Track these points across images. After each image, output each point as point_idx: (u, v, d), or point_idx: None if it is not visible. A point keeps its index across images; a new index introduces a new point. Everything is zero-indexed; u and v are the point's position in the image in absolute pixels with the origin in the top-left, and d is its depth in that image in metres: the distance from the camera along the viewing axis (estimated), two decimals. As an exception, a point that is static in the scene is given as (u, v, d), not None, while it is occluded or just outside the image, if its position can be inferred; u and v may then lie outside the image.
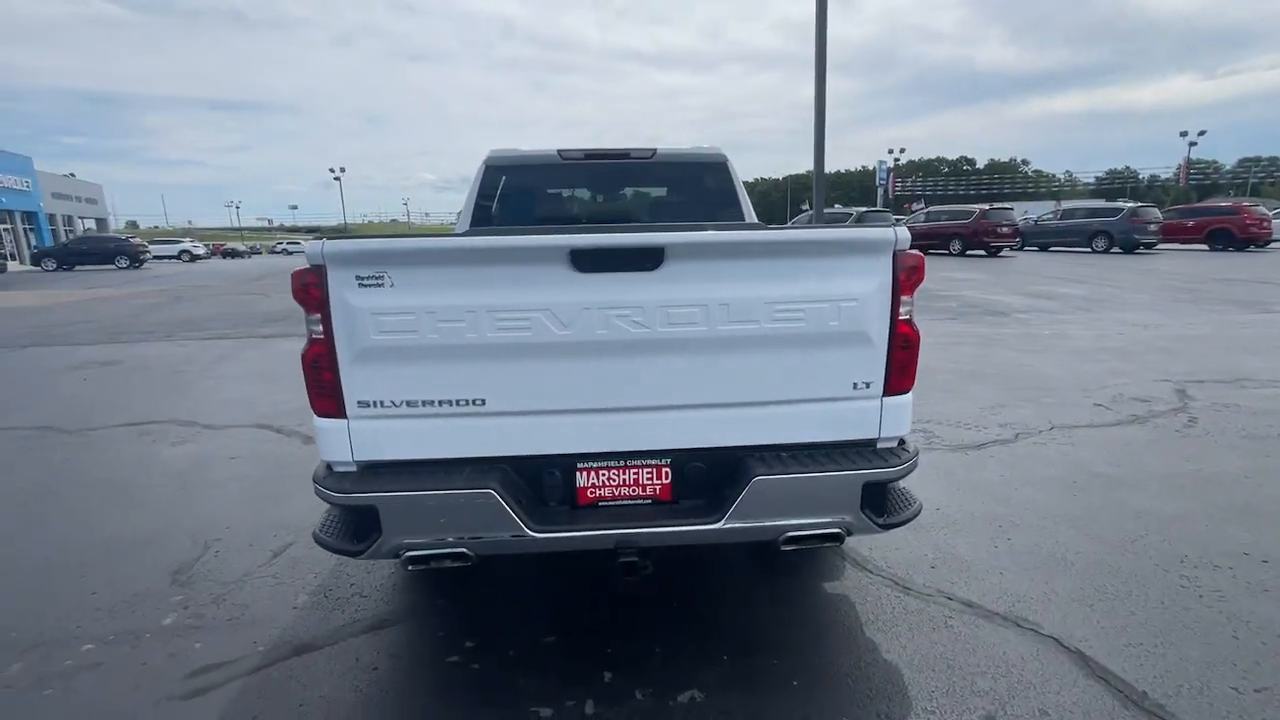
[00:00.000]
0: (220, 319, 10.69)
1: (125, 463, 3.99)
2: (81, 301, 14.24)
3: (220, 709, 1.86)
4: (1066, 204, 25.38)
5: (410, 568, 1.80)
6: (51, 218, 40.49)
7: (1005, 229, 20.92)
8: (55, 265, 28.43)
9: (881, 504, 1.87)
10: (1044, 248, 23.76)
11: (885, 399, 1.84)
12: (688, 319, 1.69)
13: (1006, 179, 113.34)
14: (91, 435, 4.55)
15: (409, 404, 1.73)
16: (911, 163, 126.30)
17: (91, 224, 47.97)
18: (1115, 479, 3.37)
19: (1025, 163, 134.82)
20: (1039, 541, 2.72)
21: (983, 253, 21.27)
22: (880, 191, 59.79)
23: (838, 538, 1.83)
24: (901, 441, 1.93)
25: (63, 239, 38.09)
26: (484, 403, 1.74)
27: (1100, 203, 23.48)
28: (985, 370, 5.82)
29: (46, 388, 6.08)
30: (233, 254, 58.03)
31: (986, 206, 21.72)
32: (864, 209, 22.00)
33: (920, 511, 1.96)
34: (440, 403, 1.73)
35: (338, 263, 1.65)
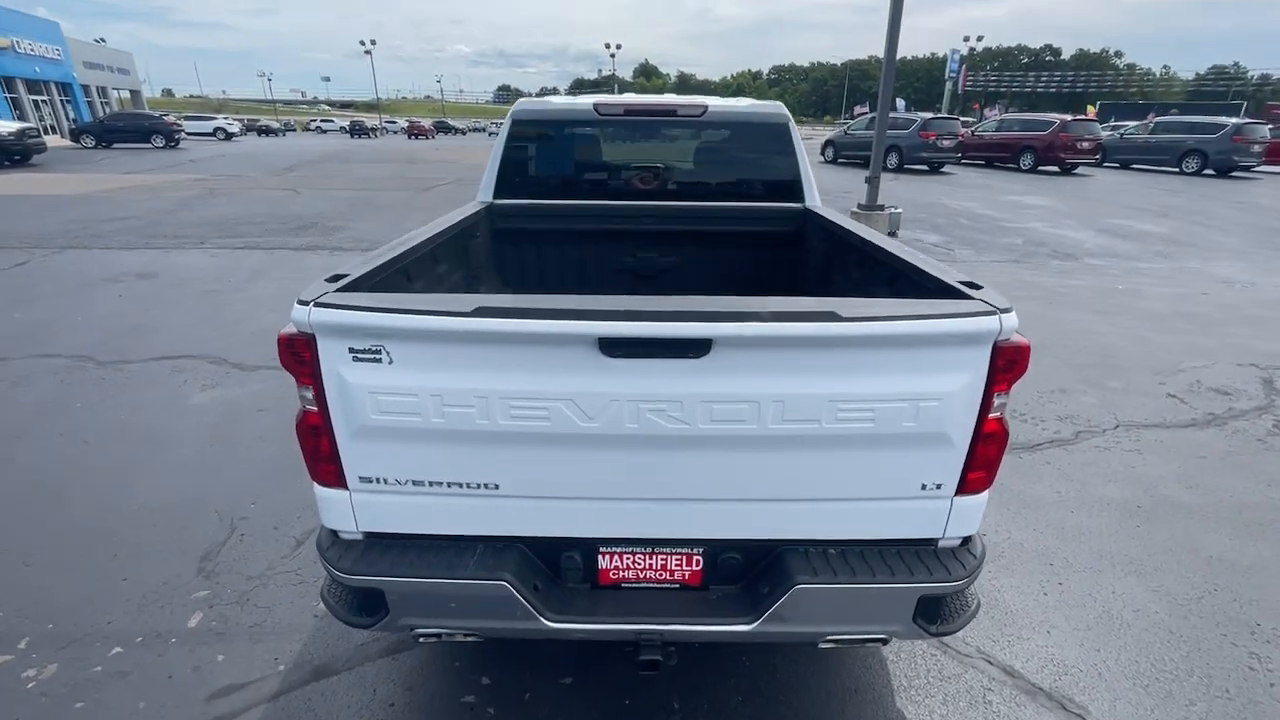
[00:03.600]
0: (253, 221, 10.55)
1: (158, 407, 4.01)
2: (118, 190, 14.20)
3: (241, 743, 1.88)
4: (1162, 118, 22.65)
5: (421, 641, 1.71)
6: (86, 89, 39.82)
7: (1086, 143, 18.95)
8: (94, 143, 28.30)
9: (936, 612, 1.67)
10: (1126, 165, 21.58)
11: (957, 499, 1.59)
12: (735, 416, 1.43)
13: (1094, 75, 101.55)
14: (126, 370, 4.57)
15: (414, 483, 1.56)
16: (988, 50, 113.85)
17: (126, 94, 47.18)
18: (1186, 507, 3.09)
19: (1119, 54, 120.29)
20: (1093, 591, 2.53)
21: (1056, 170, 19.44)
22: (949, 86, 54.28)
23: (883, 641, 1.67)
24: (967, 540, 1.70)
25: (99, 112, 37.66)
26: (498, 487, 1.55)
27: (1202, 118, 20.83)
28: (1049, 339, 5.37)
29: (84, 304, 6.11)
30: (267, 131, 57.06)
31: (1068, 117, 19.54)
32: (930, 115, 19.98)
33: (978, 612, 1.77)
34: (450, 484, 1.55)
35: (328, 334, 1.41)
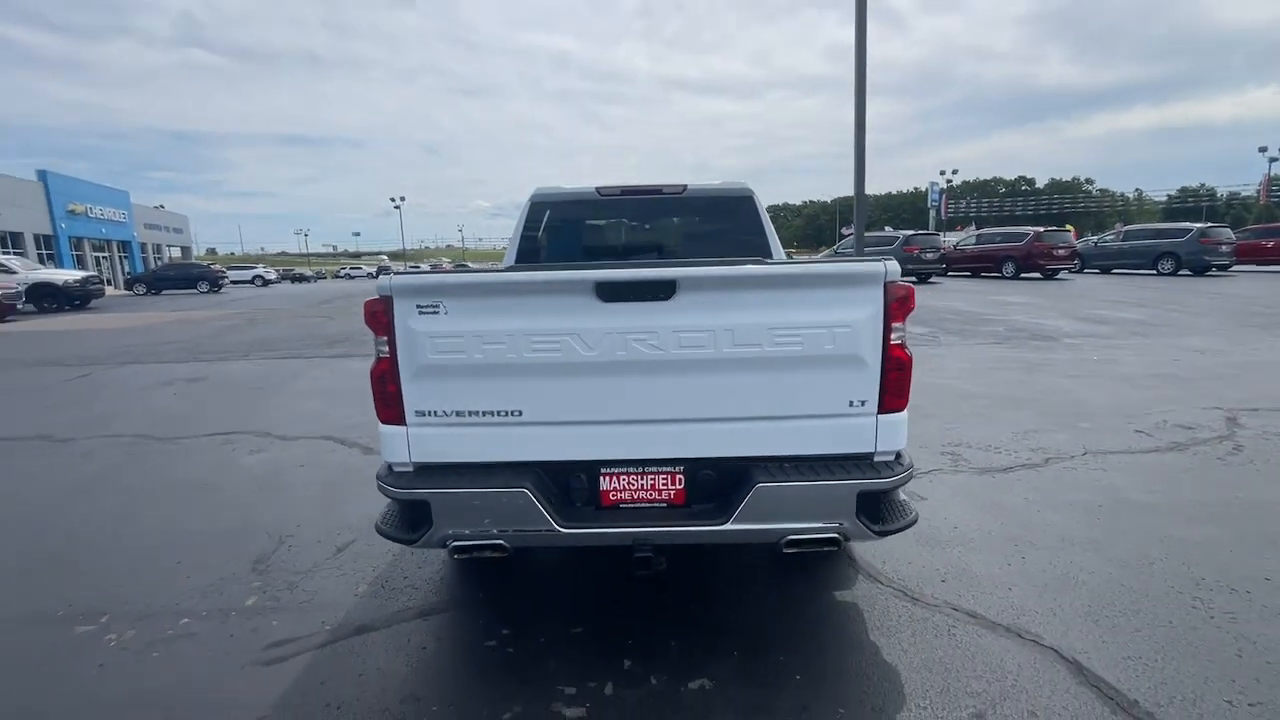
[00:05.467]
0: (291, 340, 11.51)
1: (210, 467, 4.47)
2: (169, 323, 15.52)
3: (294, 674, 2.17)
4: (1130, 226, 24.36)
5: (455, 556, 2.07)
6: (143, 246, 44.07)
7: (1061, 251, 20.28)
8: (145, 290, 30.90)
9: (877, 512, 2.03)
10: (1106, 270, 22.85)
11: (880, 416, 2.02)
12: (697, 343, 1.93)
13: (1069, 199, 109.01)
14: (181, 443, 5.08)
15: (458, 414, 2.03)
16: (966, 183, 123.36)
17: (177, 252, 51.89)
18: (1144, 505, 3.37)
19: (1090, 182, 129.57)
20: (1053, 561, 2.79)
21: (1038, 276, 20.65)
22: (932, 213, 58.58)
23: (835, 542, 2.01)
24: (899, 455, 2.10)
25: (152, 265, 41.33)
26: (521, 414, 2.02)
27: (1168, 225, 22.45)
28: (1024, 396, 5.79)
29: (142, 401, 6.76)
30: (300, 279, 61.66)
31: (1041, 229, 21.11)
32: (911, 232, 21.76)
33: (916, 520, 2.12)
34: (484, 413, 2.02)
35: (402, 294, 1.97)
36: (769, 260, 1.96)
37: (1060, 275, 20.89)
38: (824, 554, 2.86)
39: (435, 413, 2.03)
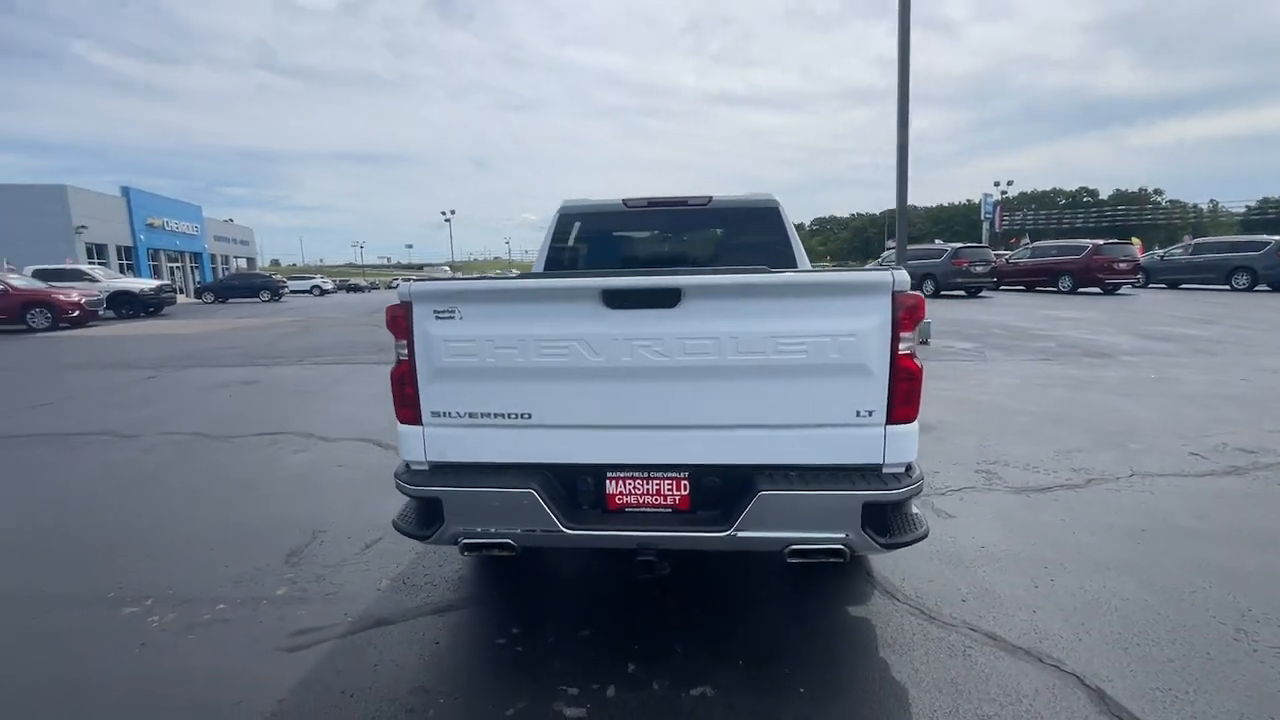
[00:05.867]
0: (339, 347, 12.02)
1: (256, 465, 4.71)
2: (230, 330, 16.42)
3: (315, 661, 2.27)
4: (1200, 239, 23.03)
5: (465, 554, 2.14)
6: (212, 257, 46.79)
7: (1123, 264, 19.31)
8: (213, 298, 32.80)
9: (884, 524, 2.00)
10: (1173, 285, 21.64)
11: (889, 427, 1.99)
12: (701, 350, 1.96)
13: (1134, 211, 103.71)
14: (232, 442, 5.37)
15: (470, 415, 2.10)
16: (1023, 195, 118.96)
17: (243, 262, 54.85)
18: (1192, 530, 3.19)
19: (1159, 193, 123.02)
20: (1084, 585, 2.66)
21: (1097, 290, 19.73)
22: (986, 226, 56.65)
23: (841, 554, 1.98)
24: (909, 467, 2.06)
25: (220, 275, 43.82)
26: (530, 416, 2.08)
27: (1242, 237, 21.12)
28: (1071, 414, 5.54)
29: (200, 402, 7.17)
30: (355, 289, 64.25)
31: (1100, 241, 20.17)
32: (960, 245, 21.10)
33: (927, 534, 2.07)
34: (495, 415, 2.09)
35: (420, 300, 2.06)
36: (777, 270, 1.97)
37: (1121, 290, 19.90)
38: (839, 567, 2.82)
39: (450, 414, 2.11)
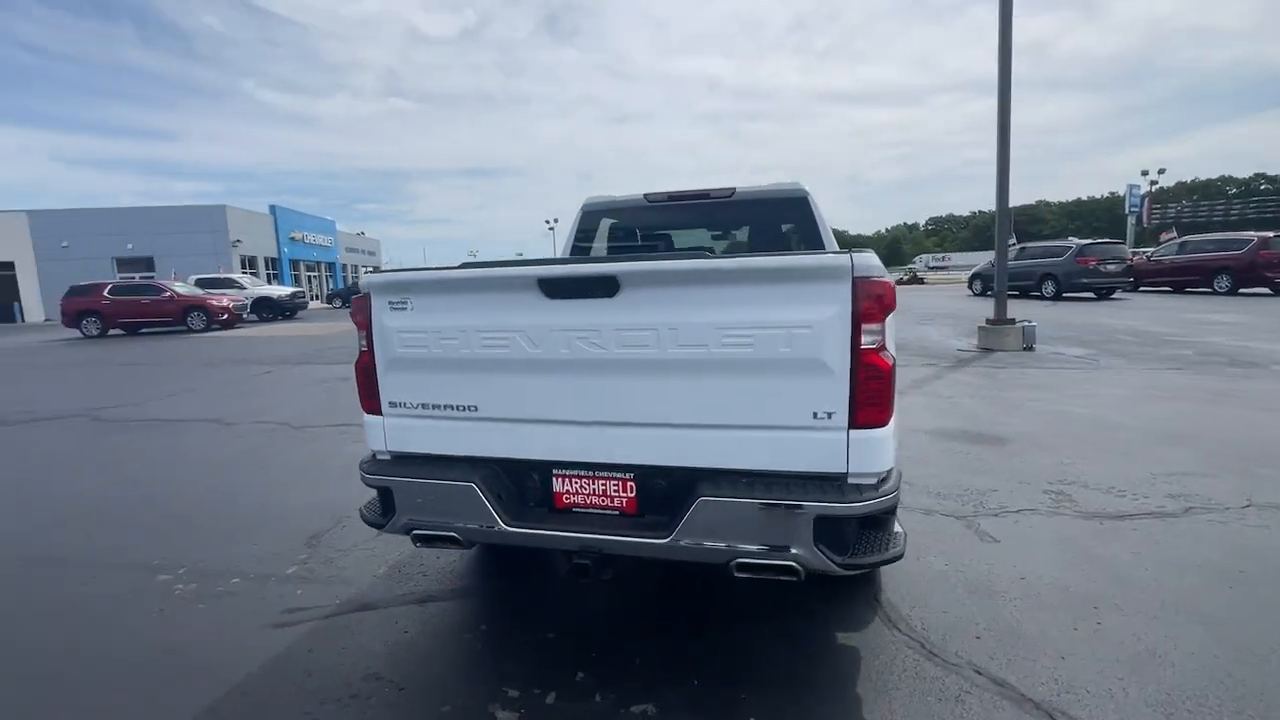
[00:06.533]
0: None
1: (319, 454, 5.08)
2: (345, 331, 18.00)
3: (293, 639, 2.37)
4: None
5: (418, 545, 2.14)
6: (344, 266, 51.72)
7: (1301, 260, 16.35)
8: (340, 303, 36.20)
9: (841, 541, 1.76)
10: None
11: (853, 432, 1.76)
12: (640, 342, 1.83)
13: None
14: (308, 431, 5.84)
15: (423, 406, 2.11)
16: (1181, 185, 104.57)
17: (371, 270, 60.19)
18: (1311, 576, 2.58)
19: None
20: (1140, 633, 2.22)
21: (1267, 291, 16.85)
22: (1131, 220, 50.21)
23: (793, 571, 1.77)
24: (884, 478, 1.81)
25: (348, 281, 48.35)
26: (477, 409, 2.05)
27: None
28: (1189, 431, 4.73)
29: (297, 395, 7.88)
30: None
31: (1271, 234, 17.22)
32: (1086, 241, 18.77)
33: (900, 556, 1.80)
34: (444, 407, 2.08)
35: (377, 291, 2.10)
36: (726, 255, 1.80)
37: (1300, 290, 16.86)
38: (846, 584, 2.55)
39: (405, 405, 2.13)
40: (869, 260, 1.71)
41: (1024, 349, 9.21)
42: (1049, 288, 18.05)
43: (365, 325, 2.14)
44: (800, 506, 1.72)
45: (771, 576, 1.80)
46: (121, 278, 28.01)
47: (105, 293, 19.73)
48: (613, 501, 2.00)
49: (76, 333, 19.80)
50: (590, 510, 2.02)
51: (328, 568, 2.97)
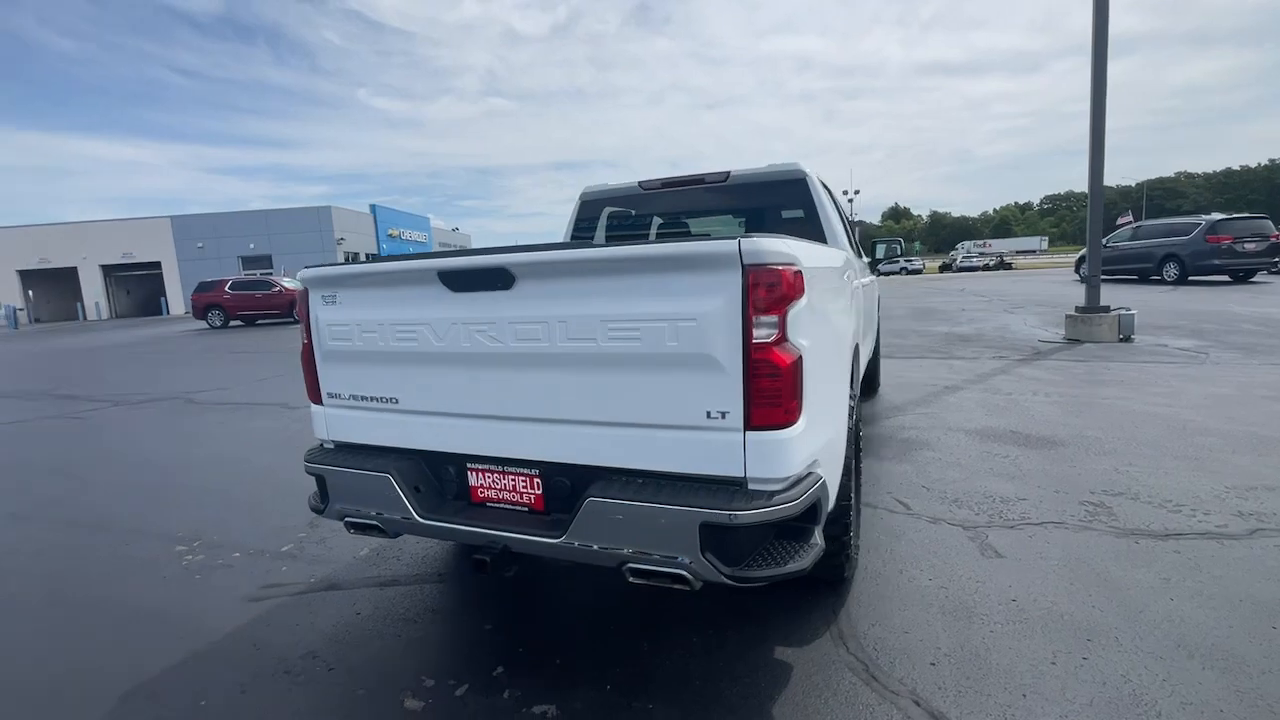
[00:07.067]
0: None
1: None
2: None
3: (259, 612, 2.53)
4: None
5: (351, 532, 2.21)
6: (438, 260, 54.72)
7: None
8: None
9: (732, 551, 1.62)
10: None
11: (750, 433, 1.61)
12: (532, 335, 1.77)
13: None
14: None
15: (354, 397, 2.16)
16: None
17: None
18: (1392, 621, 2.11)
19: None
20: (1134, 673, 1.91)
21: None
22: (1292, 191, 43.37)
23: (683, 580, 1.66)
24: (798, 483, 1.65)
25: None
26: (397, 401, 2.07)
27: None
28: (1291, 438, 4.03)
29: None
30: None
31: None
32: (1221, 216, 16.24)
33: (801, 571, 1.64)
34: (371, 398, 2.12)
35: (312, 285, 2.16)
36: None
37: None
38: (804, 597, 2.38)
39: (340, 395, 2.19)
40: (763, 245, 1.55)
41: (1120, 340, 8.22)
42: (1171, 270, 16.00)
43: (305, 318, 2.21)
44: (686, 512, 1.60)
45: (664, 584, 1.70)
46: (245, 274, 31.16)
47: (226, 289, 22.01)
48: (521, 498, 1.96)
49: (204, 324, 22.25)
50: (502, 506, 1.99)
51: (318, 547, 3.14)
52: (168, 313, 38.33)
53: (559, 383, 1.79)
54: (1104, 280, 18.35)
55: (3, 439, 6.13)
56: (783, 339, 1.59)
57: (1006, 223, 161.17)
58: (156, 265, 38.77)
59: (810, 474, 1.72)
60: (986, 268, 48.47)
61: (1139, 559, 2.61)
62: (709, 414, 1.64)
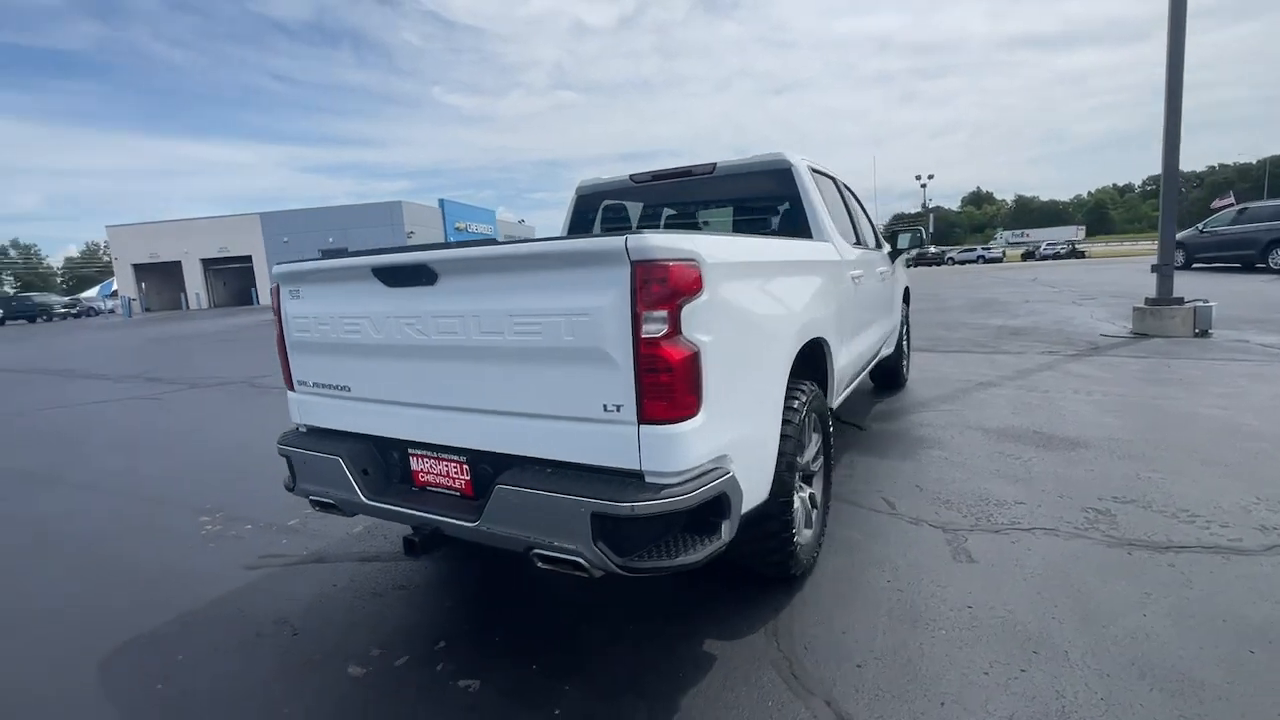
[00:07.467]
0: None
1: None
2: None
3: (250, 579, 2.77)
4: None
5: (316, 510, 2.38)
6: (502, 252, 56.32)
7: None
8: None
9: (623, 541, 1.66)
10: None
11: (644, 427, 1.64)
12: (450, 329, 1.86)
13: None
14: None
15: (316, 385, 2.33)
16: None
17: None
18: (1398, 654, 1.90)
19: None
20: (1071, 691, 1.81)
21: None
22: None
23: (581, 567, 1.71)
24: (697, 477, 1.67)
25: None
26: (349, 390, 2.22)
27: None
28: (1358, 447, 3.61)
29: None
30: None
31: None
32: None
33: (693, 564, 1.65)
34: (329, 386, 2.28)
35: (282, 280, 2.34)
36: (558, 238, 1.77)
37: None
38: (750, 592, 2.39)
39: (305, 383, 2.37)
40: (652, 242, 1.57)
41: (1194, 334, 7.53)
42: (1279, 257, 14.42)
43: (277, 311, 2.40)
44: (579, 501, 1.65)
45: (567, 571, 1.76)
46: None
47: (303, 279, 23.52)
48: (454, 483, 2.06)
49: (284, 313, 23.88)
50: (439, 490, 2.10)
51: (322, 523, 3.39)
52: (258, 302, 41.35)
53: (478, 374, 1.88)
54: (1199, 269, 16.80)
55: (92, 417, 6.87)
56: (674, 334, 1.60)
57: (1102, 206, 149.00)
58: (248, 259, 41.87)
59: (716, 469, 1.73)
60: (1057, 256, 47.70)
61: (1124, 571, 2.44)
62: (605, 407, 1.68)
